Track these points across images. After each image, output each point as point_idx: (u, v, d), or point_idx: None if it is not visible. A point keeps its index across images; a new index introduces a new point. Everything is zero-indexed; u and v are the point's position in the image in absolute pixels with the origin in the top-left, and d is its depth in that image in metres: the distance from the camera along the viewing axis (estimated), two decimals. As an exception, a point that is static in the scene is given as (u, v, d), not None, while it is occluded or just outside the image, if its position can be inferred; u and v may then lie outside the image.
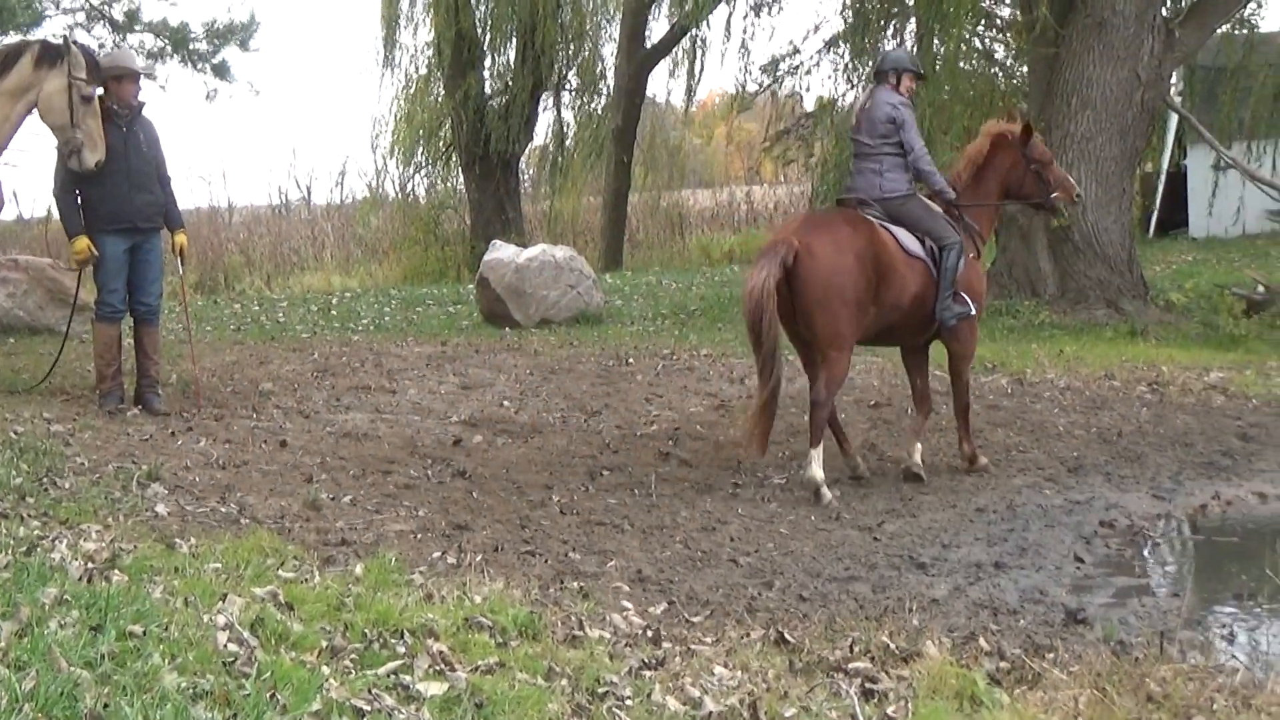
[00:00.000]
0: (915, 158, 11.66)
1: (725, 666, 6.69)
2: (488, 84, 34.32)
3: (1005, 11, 28.79)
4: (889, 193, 11.65)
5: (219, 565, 7.36)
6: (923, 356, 12.19)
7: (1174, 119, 26.39)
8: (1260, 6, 23.92)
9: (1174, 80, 24.12)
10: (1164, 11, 20.75)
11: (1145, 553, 10.24)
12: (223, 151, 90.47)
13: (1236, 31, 23.80)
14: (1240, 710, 6.59)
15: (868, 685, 6.54)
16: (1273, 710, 6.61)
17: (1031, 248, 20.58)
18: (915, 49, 21.58)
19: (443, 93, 34.53)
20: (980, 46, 27.44)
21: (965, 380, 12.08)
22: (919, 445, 11.86)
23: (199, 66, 32.97)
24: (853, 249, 11.08)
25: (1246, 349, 17.34)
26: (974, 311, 11.71)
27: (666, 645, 7.01)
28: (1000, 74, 27.25)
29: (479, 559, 8.41)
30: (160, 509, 8.96)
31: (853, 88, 23.74)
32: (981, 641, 7.53)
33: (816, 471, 10.96)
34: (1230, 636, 8.26)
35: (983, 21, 26.96)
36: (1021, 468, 12.07)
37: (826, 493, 10.92)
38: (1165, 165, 32.33)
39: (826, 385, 11.24)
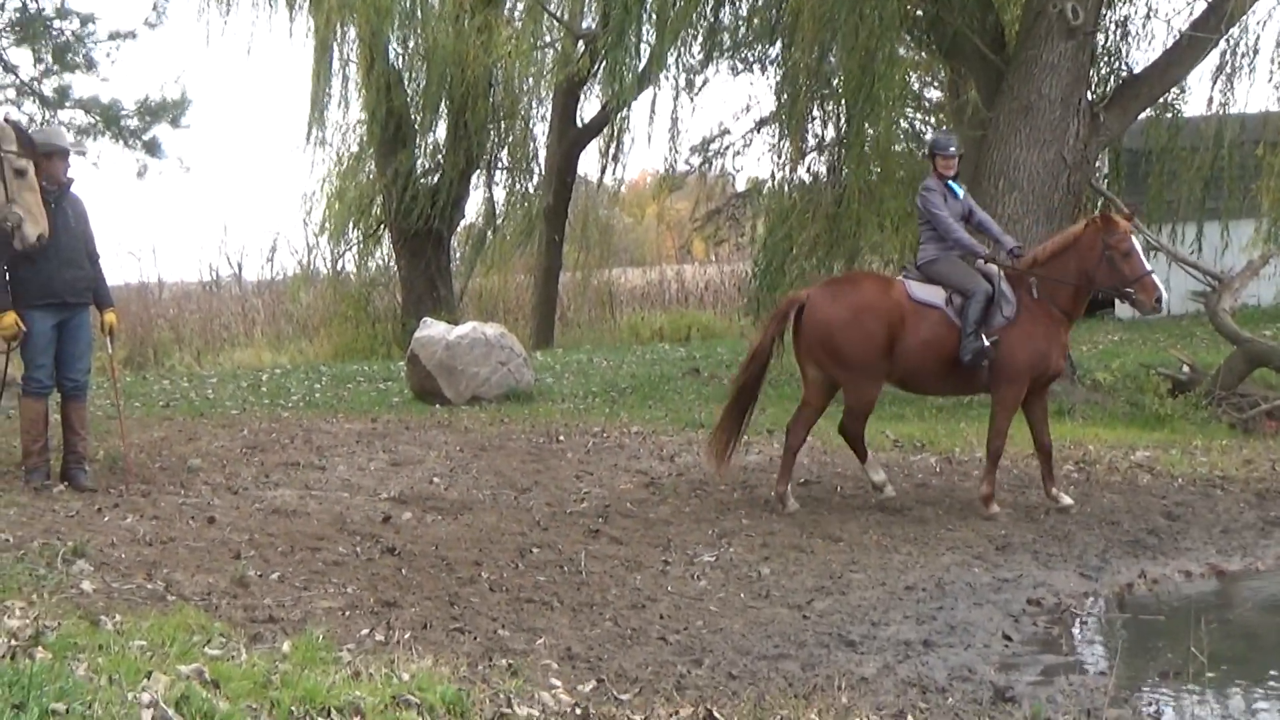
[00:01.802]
0: (943, 232, 13.33)
1: (654, 744, 6.68)
2: (419, 162, 34.24)
3: (933, 94, 29.13)
4: (922, 260, 13.55)
5: (144, 643, 7.29)
6: (1039, 405, 13.60)
7: (1100, 201, 26.64)
8: (1184, 91, 24.20)
9: (1100, 163, 24.36)
10: (1089, 96, 20.97)
11: (1073, 631, 10.30)
12: (153, 228, 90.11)
13: (1161, 116, 24.09)
14: (1167, 787, 6.62)
15: (797, 763, 6.54)
16: (1198, 787, 6.65)
17: (960, 327, 20.71)
18: (844, 131, 21.73)
19: (374, 170, 34.46)
20: (909, 128, 27.70)
21: (998, 428, 13.38)
22: (1053, 487, 13.60)
23: (130, 143, 32.86)
24: (849, 302, 13.22)
25: (1172, 428, 17.48)
26: (985, 344, 12.93)
27: (596, 723, 6.99)
28: (930, 157, 27.50)
29: (407, 636, 8.37)
30: (85, 585, 8.88)
31: (783, 168, 23.85)
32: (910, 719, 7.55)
33: (875, 474, 13.66)
34: (1157, 714, 8.31)
35: (911, 104, 27.24)
36: (950, 546, 12.12)
37: (890, 490, 13.57)
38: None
39: (847, 415, 13.68)
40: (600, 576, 10.56)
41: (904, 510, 13.12)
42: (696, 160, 34.41)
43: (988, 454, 13.47)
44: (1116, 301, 30.47)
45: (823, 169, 23.28)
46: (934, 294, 13.24)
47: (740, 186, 34.98)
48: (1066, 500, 13.41)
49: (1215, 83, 23.55)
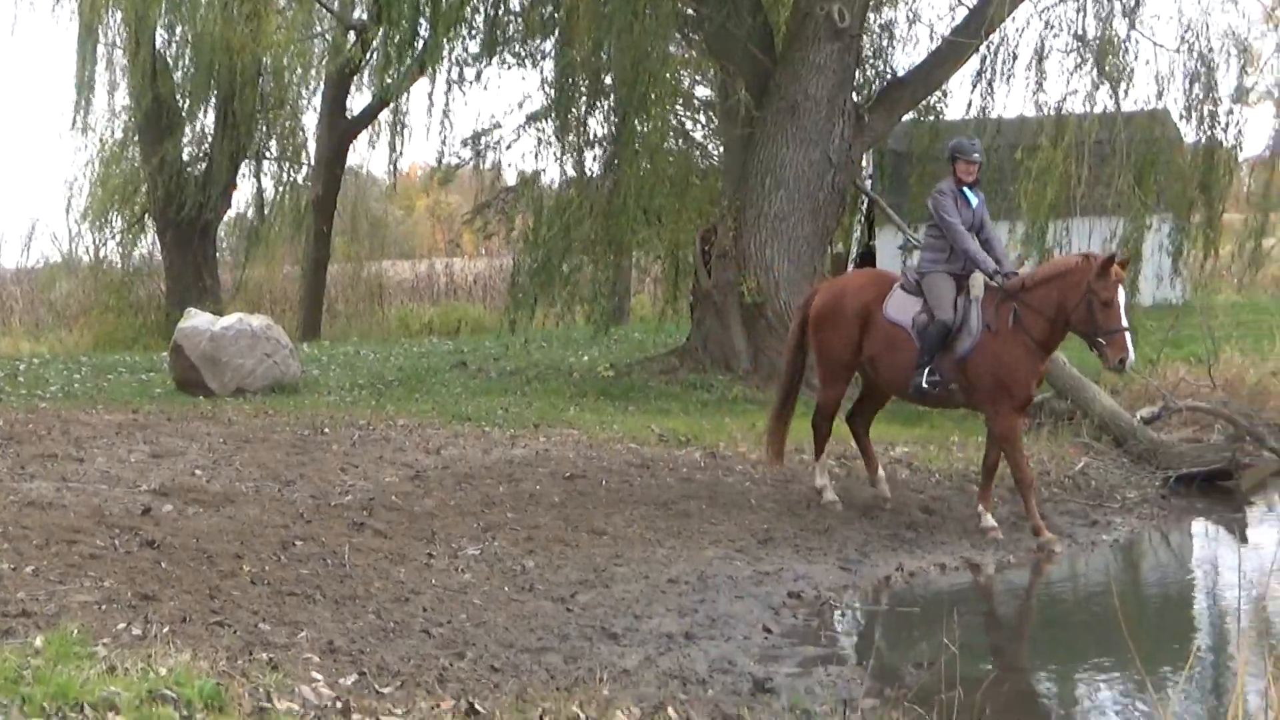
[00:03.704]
0: (952, 239, 13.05)
1: (415, 737, 6.66)
2: (186, 150, 33.84)
3: (704, 93, 29.40)
4: (920, 269, 13.45)
5: (-110, 638, 7.11)
6: (990, 434, 13.39)
7: (865, 201, 27.09)
8: (945, 95, 24.72)
9: (864, 163, 24.80)
10: (855, 97, 21.36)
11: (831, 623, 10.50)
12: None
13: (924, 118, 24.58)
14: (918, 775, 6.79)
15: (557, 754, 6.57)
16: (950, 774, 6.82)
17: (726, 324, 20.93)
18: (617, 128, 21.82)
19: (139, 158, 33.99)
20: (679, 126, 27.93)
21: (1013, 460, 13.17)
22: (981, 504, 13.29)
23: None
24: (840, 301, 13.67)
25: (930, 425, 17.81)
26: (923, 384, 13.00)
27: (356, 717, 6.95)
28: (698, 153, 27.77)
29: (166, 630, 8.24)
30: None
31: (556, 162, 23.93)
32: (670, 711, 7.64)
33: (818, 479, 13.93)
34: (911, 704, 8.49)
35: (681, 102, 27.46)
36: (713, 539, 12.25)
37: (830, 495, 13.72)
38: (855, 245, 33.12)
39: (817, 408, 14.25)
40: (364, 569, 10.49)
41: (668, 504, 13.22)
42: (468, 154, 34.27)
43: (1020, 489, 13.21)
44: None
45: (596, 165, 23.36)
46: (905, 310, 13.21)
47: (511, 181, 34.89)
48: (989, 521, 13.07)
49: (975, 87, 24.04)
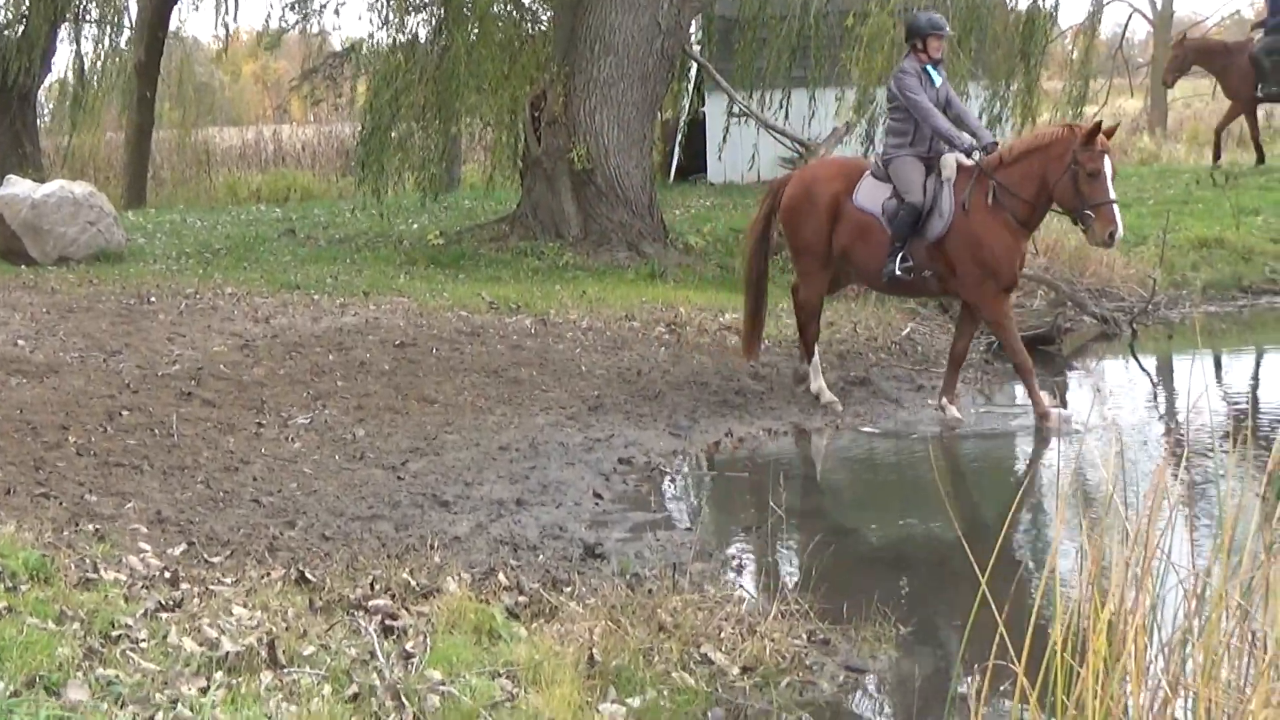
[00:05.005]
0: (921, 118, 12.38)
1: (245, 606, 6.69)
2: (2, 13, 32.94)
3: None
4: (883, 155, 12.84)
5: None
6: (967, 318, 12.99)
7: (694, 67, 27.04)
8: (775, -39, 24.67)
9: (693, 29, 24.73)
10: (684, -39, 21.27)
11: (662, 488, 10.62)
12: None
13: (752, -17, 24.55)
14: (746, 637, 6.92)
15: (388, 622, 6.63)
16: (775, 636, 6.96)
17: (556, 190, 20.85)
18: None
19: (-48, 20, 33.07)
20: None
21: (1007, 345, 12.88)
22: (945, 397, 12.76)
23: None
24: (810, 191, 13.09)
25: (760, 291, 17.94)
26: (895, 271, 12.45)
27: (185, 586, 6.95)
28: (528, 19, 27.51)
29: (-11, 502, 8.17)
30: None
31: (384, 27, 23.56)
32: (501, 577, 7.72)
33: (814, 382, 13.25)
34: (738, 567, 8.66)
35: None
36: (544, 406, 12.31)
37: (828, 395, 13.12)
38: (685, 112, 33.07)
39: (799, 306, 13.65)
40: (192, 439, 10.43)
41: (499, 372, 13.25)
42: (294, 18, 33.78)
43: (1019, 373, 12.74)
44: (709, 165, 31.13)
45: (424, 30, 23.08)
46: (875, 197, 12.63)
47: (338, 46, 34.46)
48: (954, 412, 12.68)
49: (809, -50, 24.06)
